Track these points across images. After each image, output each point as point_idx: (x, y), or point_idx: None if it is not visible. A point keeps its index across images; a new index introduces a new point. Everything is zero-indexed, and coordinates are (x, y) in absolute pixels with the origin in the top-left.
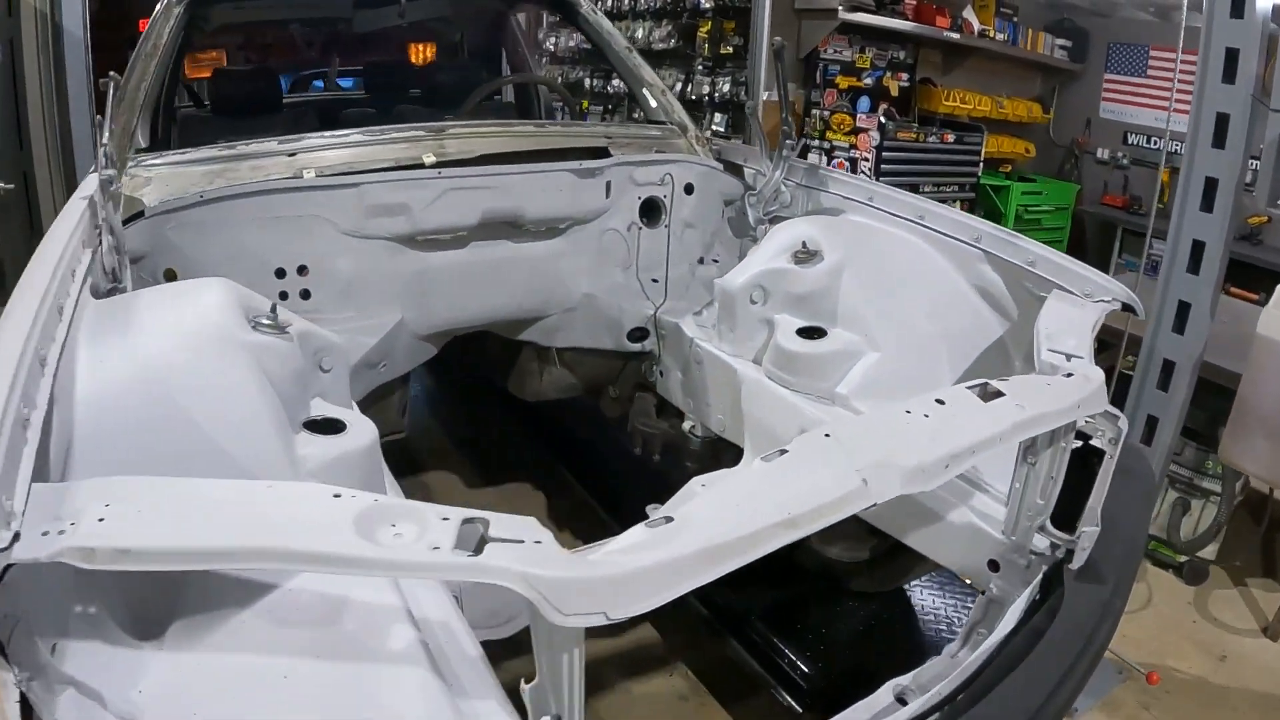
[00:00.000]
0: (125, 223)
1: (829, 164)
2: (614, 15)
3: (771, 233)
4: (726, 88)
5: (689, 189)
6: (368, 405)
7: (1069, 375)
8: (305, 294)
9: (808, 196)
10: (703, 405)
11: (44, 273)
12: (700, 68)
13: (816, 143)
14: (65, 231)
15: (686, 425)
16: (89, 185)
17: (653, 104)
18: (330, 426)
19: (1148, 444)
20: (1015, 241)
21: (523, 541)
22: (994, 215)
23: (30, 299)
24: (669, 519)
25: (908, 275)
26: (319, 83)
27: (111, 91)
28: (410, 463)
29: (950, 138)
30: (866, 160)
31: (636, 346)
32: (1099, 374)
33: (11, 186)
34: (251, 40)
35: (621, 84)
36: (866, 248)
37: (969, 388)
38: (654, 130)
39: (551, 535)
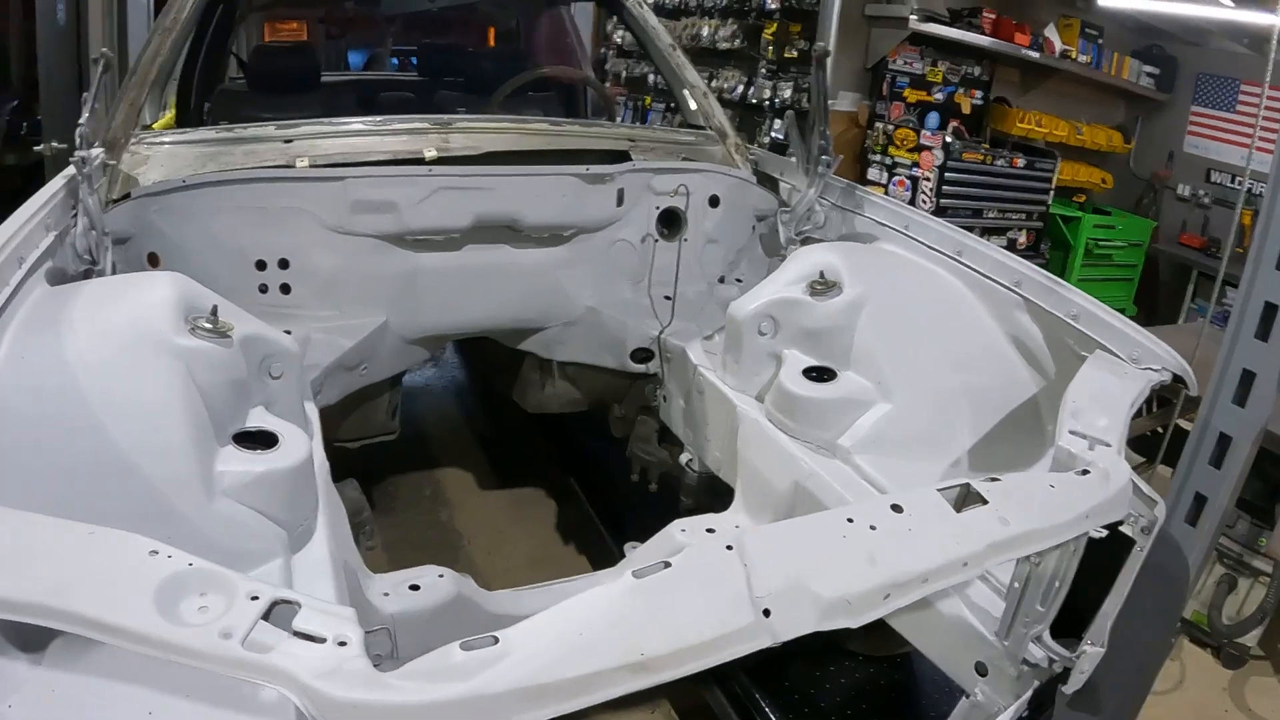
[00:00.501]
0: (113, 203)
1: (890, 181)
2: (680, 11)
3: (791, 257)
4: (788, 93)
5: (714, 201)
6: (351, 407)
7: (1084, 472)
8: (285, 288)
9: (842, 219)
10: (701, 439)
11: None
12: (764, 71)
13: (878, 158)
14: (27, 213)
15: (684, 458)
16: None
17: (692, 106)
18: (262, 440)
19: (1192, 524)
20: (1059, 290)
21: (324, 641)
22: (1062, 246)
23: None
24: (495, 639)
25: (935, 318)
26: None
27: (100, 69)
28: (428, 455)
29: (1020, 162)
30: (928, 180)
31: (640, 368)
32: (1124, 471)
33: (65, 145)
34: (295, 15)
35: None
36: (892, 283)
37: (943, 490)
38: (687, 135)
39: (360, 637)
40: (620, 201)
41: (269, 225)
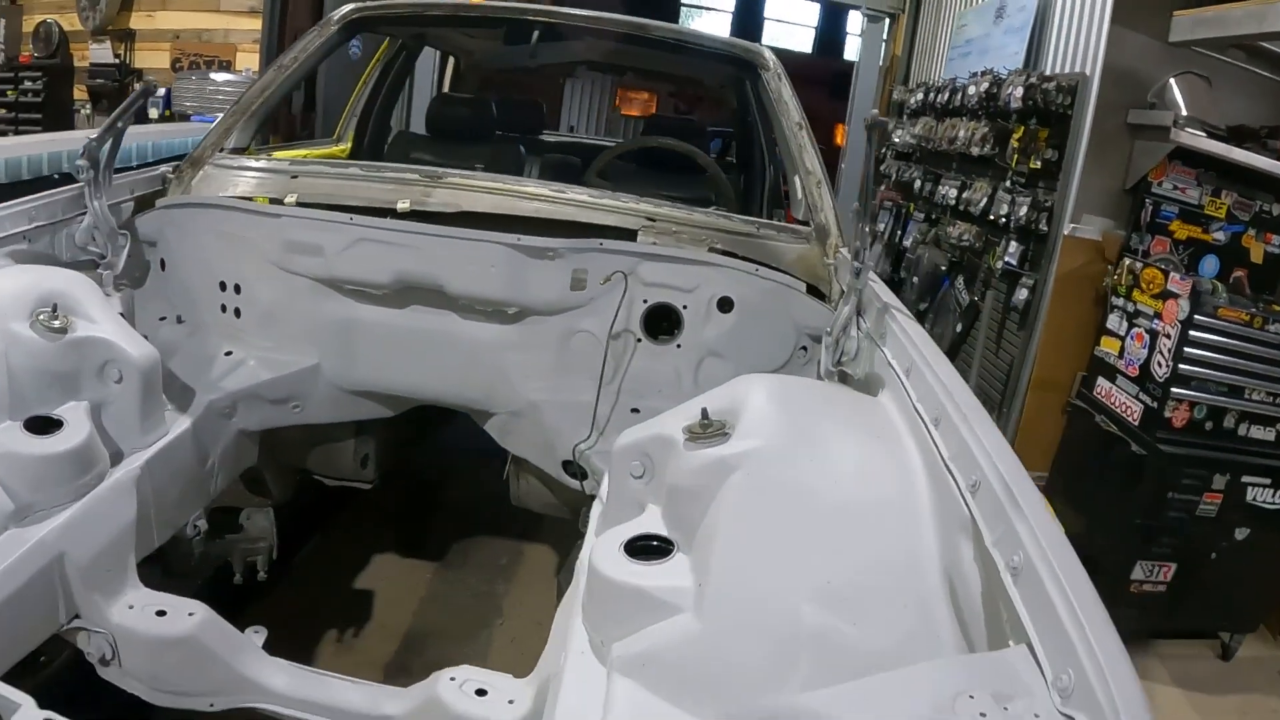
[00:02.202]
0: (138, 211)
1: (1128, 333)
2: (947, 111)
3: (724, 385)
4: (1024, 211)
5: (724, 305)
6: (312, 441)
7: None
8: (237, 312)
9: (872, 351)
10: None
11: None
12: (1009, 182)
13: (1119, 301)
14: (27, 200)
15: None
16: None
17: (798, 195)
18: (44, 425)
19: None
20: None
21: None
22: None
23: None
24: None
25: (839, 517)
26: None
27: (136, 93)
28: (455, 507)
29: None
30: (1168, 338)
31: (576, 485)
32: None
33: None
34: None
35: (948, 190)
36: (804, 447)
37: None
38: (745, 225)
39: None
40: (579, 285)
41: (229, 251)
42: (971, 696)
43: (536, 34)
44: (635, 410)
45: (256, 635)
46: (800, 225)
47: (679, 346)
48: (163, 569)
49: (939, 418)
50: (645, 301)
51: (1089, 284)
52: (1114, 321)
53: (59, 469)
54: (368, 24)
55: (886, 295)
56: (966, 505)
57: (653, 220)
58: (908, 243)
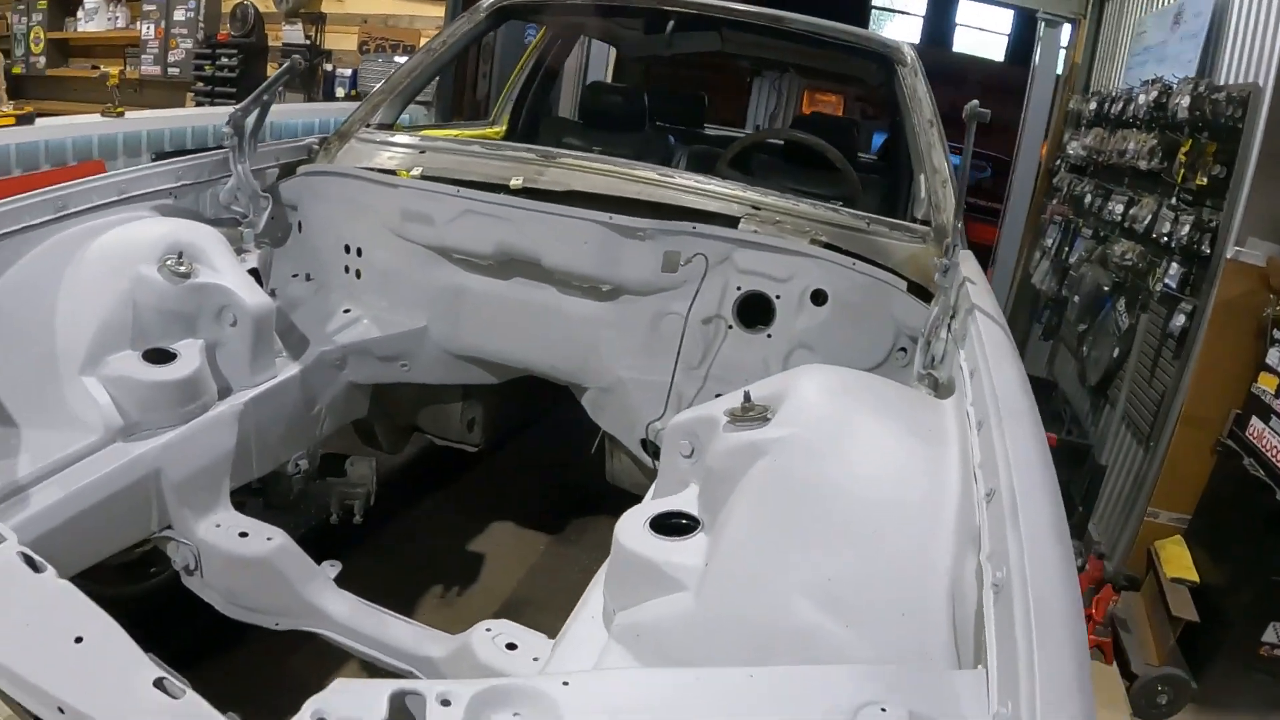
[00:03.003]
0: (283, 176)
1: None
2: (1121, 122)
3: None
4: (1185, 230)
5: (818, 298)
6: (422, 401)
7: None
8: (358, 273)
9: (955, 354)
10: None
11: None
12: (1174, 199)
13: None
14: (175, 160)
15: None
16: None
17: (920, 194)
18: (161, 357)
19: None
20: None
21: None
22: None
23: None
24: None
25: (855, 517)
26: None
27: (282, 69)
28: (579, 488)
29: None
30: None
31: (648, 462)
32: None
33: None
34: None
35: (1116, 206)
36: (833, 442)
37: None
38: (854, 219)
39: None
40: (671, 267)
41: (355, 217)
42: (883, 709)
43: (671, 23)
44: (719, 396)
45: (331, 568)
46: (920, 225)
47: (769, 336)
48: (264, 501)
49: (983, 422)
50: (739, 289)
51: (1250, 314)
52: (1274, 357)
53: (167, 395)
54: (514, 12)
55: (978, 297)
56: (978, 515)
57: (757, 209)
58: (1073, 260)
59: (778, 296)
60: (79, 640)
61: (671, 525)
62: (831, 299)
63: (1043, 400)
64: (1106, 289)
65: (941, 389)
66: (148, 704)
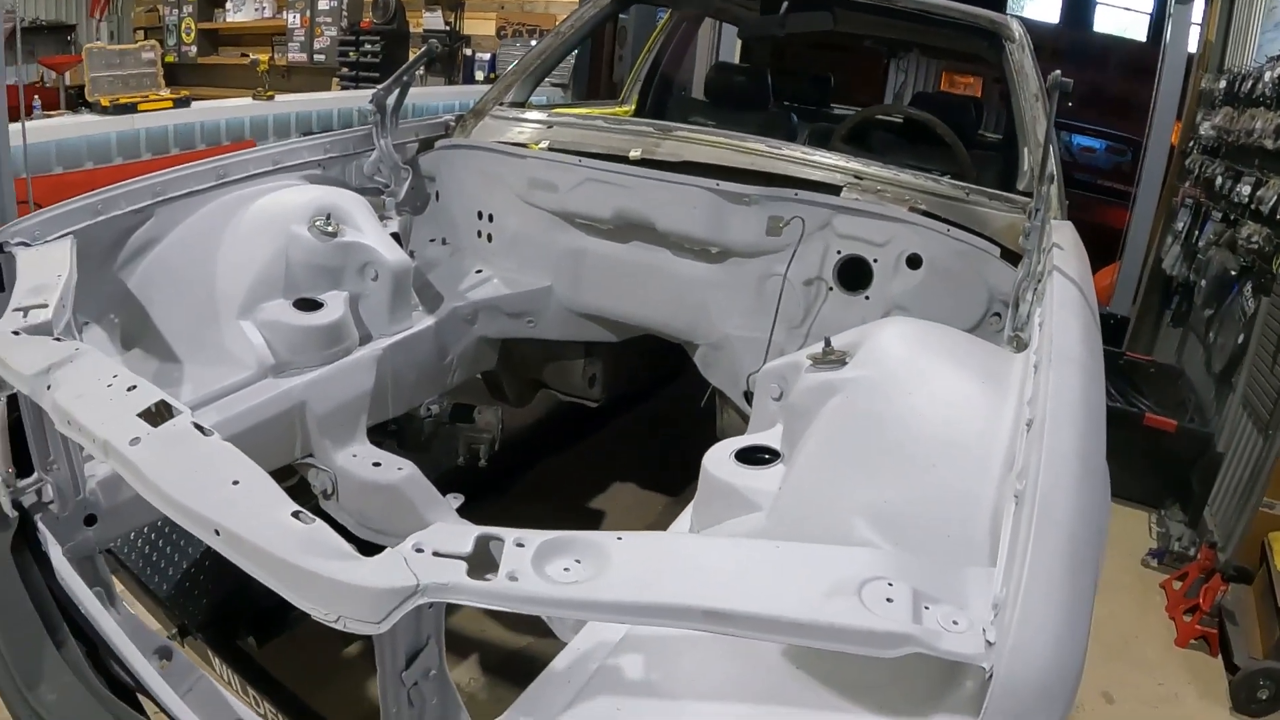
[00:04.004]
0: (422, 151)
1: None
2: (1249, 101)
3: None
4: None
5: (913, 261)
6: (546, 357)
7: None
8: (489, 237)
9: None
10: None
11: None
12: None
13: None
14: (323, 135)
15: None
16: None
17: (1025, 165)
18: (309, 305)
19: None
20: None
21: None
22: None
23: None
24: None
25: (911, 447)
26: None
27: (421, 53)
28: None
29: None
30: None
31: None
32: None
33: None
34: None
35: (1244, 188)
36: (903, 381)
37: None
38: (953, 189)
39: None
40: (775, 231)
41: (484, 185)
42: (890, 584)
43: (785, 3)
44: None
45: (454, 500)
46: (1021, 195)
47: (867, 298)
48: (397, 441)
49: (1039, 364)
50: (839, 252)
51: None
52: None
53: (313, 338)
54: None
55: (1062, 260)
56: (1019, 443)
57: (859, 178)
58: (1201, 243)
59: (875, 260)
60: (235, 483)
61: (755, 458)
62: (926, 263)
63: (1168, 387)
64: (1233, 273)
65: (1022, 347)
66: (284, 528)
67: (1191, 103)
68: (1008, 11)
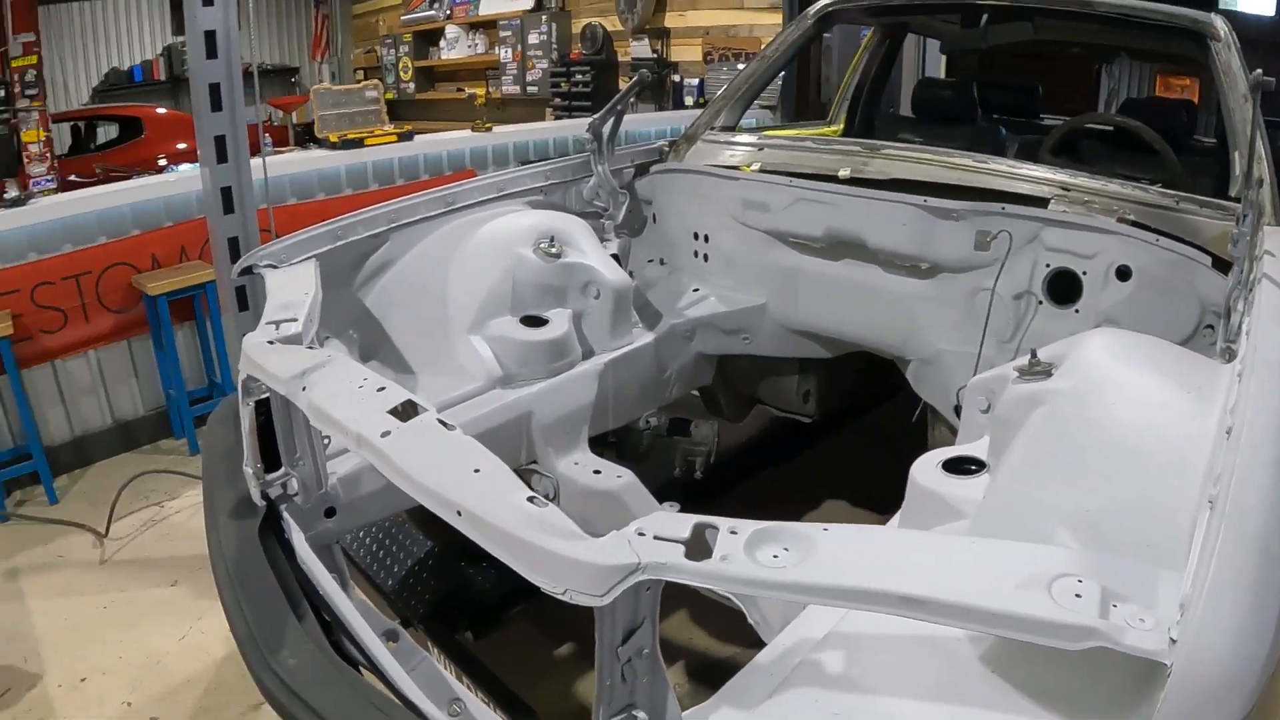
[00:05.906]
0: (638, 175)
1: None
2: None
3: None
4: None
5: (1123, 274)
6: (762, 372)
7: None
8: (705, 257)
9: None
10: None
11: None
12: None
13: None
14: (543, 163)
15: None
16: None
17: (1235, 170)
18: (535, 322)
19: None
20: None
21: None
22: None
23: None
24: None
25: (1115, 456)
26: None
27: (633, 82)
28: None
29: None
30: None
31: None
32: None
33: None
34: None
35: None
36: (1107, 392)
37: None
38: (1161, 198)
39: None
40: (983, 246)
41: (701, 208)
42: (1080, 581)
43: (985, 16)
44: None
45: (670, 508)
46: (1233, 202)
47: (1077, 311)
48: (617, 451)
49: (1243, 373)
50: (1048, 266)
51: None
52: None
53: (539, 353)
54: (840, 16)
55: (1272, 266)
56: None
57: (1066, 190)
58: None
59: (1084, 273)
60: (476, 471)
61: (961, 468)
62: (1135, 275)
63: None
64: None
65: (1233, 358)
66: (520, 510)
67: None
68: (1218, 7)
